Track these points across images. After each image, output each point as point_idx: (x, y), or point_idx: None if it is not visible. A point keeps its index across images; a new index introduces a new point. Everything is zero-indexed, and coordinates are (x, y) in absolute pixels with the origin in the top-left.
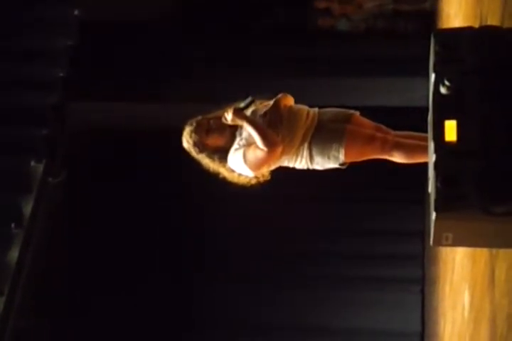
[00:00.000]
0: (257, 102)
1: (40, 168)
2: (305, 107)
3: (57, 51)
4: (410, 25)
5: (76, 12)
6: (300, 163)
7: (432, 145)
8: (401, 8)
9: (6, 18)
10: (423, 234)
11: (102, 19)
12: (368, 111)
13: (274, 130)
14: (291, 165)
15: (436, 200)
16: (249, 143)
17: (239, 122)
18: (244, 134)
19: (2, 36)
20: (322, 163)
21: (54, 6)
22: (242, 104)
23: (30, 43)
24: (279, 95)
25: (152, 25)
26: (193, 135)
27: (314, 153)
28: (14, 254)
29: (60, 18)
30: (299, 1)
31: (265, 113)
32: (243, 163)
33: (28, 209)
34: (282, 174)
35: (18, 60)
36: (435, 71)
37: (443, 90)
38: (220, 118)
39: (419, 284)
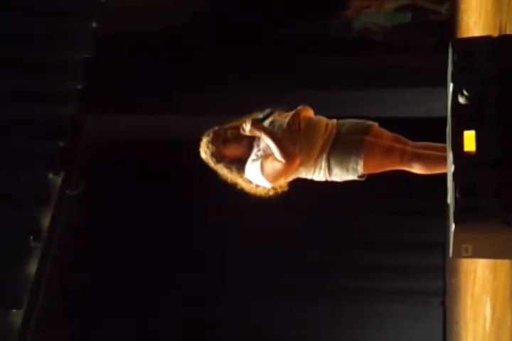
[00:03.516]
0: (276, 114)
1: (58, 180)
2: (324, 119)
3: (74, 63)
4: (429, 36)
5: (94, 24)
6: (318, 174)
7: (450, 156)
8: (420, 3)
9: (23, 31)
10: (444, 245)
11: (120, 31)
12: (386, 123)
13: (293, 141)
14: (309, 176)
15: (455, 212)
16: (267, 154)
17: (257, 133)
18: (262, 145)
19: (19, 49)
20: (340, 175)
21: (71, 19)
22: (260, 115)
23: (48, 56)
24: (299, 107)
25: (170, 37)
26: (210, 145)
27: (332, 164)
28: (32, 267)
29: (77, 31)
30: (319, 13)
31: (286, 125)
32: (260, 174)
33: (46, 222)
34: (303, 185)
35: (35, 73)
36: (453, 81)
37: (461, 100)
38: (237, 128)
39: (441, 296)
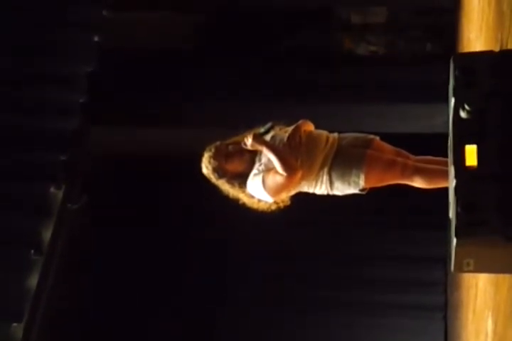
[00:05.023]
0: (277, 128)
1: (60, 194)
2: (324, 132)
3: (77, 77)
4: (431, 50)
5: (96, 38)
6: (320, 188)
7: (452, 170)
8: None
9: (24, 44)
10: (445, 259)
11: (122, 45)
12: (389, 138)
13: (294, 155)
14: (311, 190)
15: (457, 226)
16: (269, 169)
17: (258, 147)
18: (264, 159)
19: (21, 62)
20: (342, 189)
21: (73, 32)
22: (261, 130)
23: (50, 69)
24: (300, 121)
25: (172, 50)
26: (212, 161)
27: (334, 178)
28: (33, 281)
29: (79, 44)
30: (320, 26)
31: (286, 139)
32: (262, 188)
33: (47, 235)
34: (304, 199)
35: (37, 86)
36: (455, 95)
37: (463, 114)
38: (238, 143)
39: (442, 311)
